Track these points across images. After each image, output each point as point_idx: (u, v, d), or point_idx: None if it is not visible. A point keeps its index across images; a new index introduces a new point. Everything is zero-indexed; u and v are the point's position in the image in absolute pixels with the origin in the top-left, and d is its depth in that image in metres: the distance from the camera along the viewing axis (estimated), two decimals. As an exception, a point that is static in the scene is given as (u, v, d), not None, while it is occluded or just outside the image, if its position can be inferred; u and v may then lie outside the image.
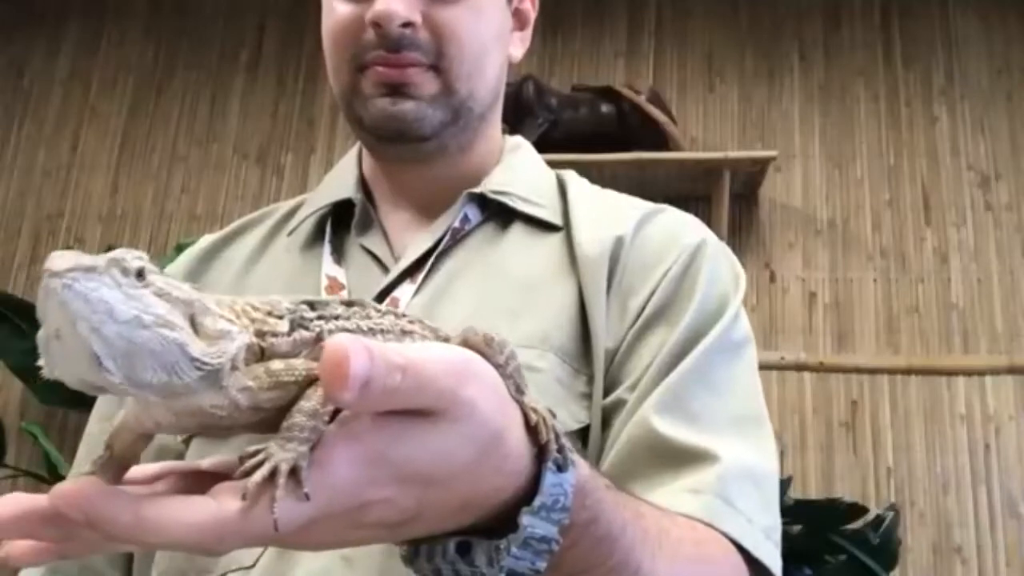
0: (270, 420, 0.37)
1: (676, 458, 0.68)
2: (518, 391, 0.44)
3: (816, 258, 2.46)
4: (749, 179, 2.43)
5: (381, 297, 0.76)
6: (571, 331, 0.73)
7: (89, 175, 2.79)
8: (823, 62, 2.63)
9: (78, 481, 0.35)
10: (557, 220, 0.82)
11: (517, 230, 0.82)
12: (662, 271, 0.77)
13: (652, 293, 0.76)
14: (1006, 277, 2.40)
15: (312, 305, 0.41)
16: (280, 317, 0.39)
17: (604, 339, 0.73)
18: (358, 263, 0.81)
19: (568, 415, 0.70)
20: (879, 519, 2.02)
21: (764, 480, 0.70)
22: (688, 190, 2.37)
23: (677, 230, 0.82)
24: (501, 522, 0.44)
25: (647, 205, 0.85)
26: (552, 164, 0.91)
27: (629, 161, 2.32)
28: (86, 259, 0.33)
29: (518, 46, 0.87)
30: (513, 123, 2.32)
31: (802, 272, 2.44)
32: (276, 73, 2.81)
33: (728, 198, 2.34)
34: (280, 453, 0.35)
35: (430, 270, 0.78)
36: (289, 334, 0.39)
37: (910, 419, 2.30)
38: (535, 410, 0.44)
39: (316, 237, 0.84)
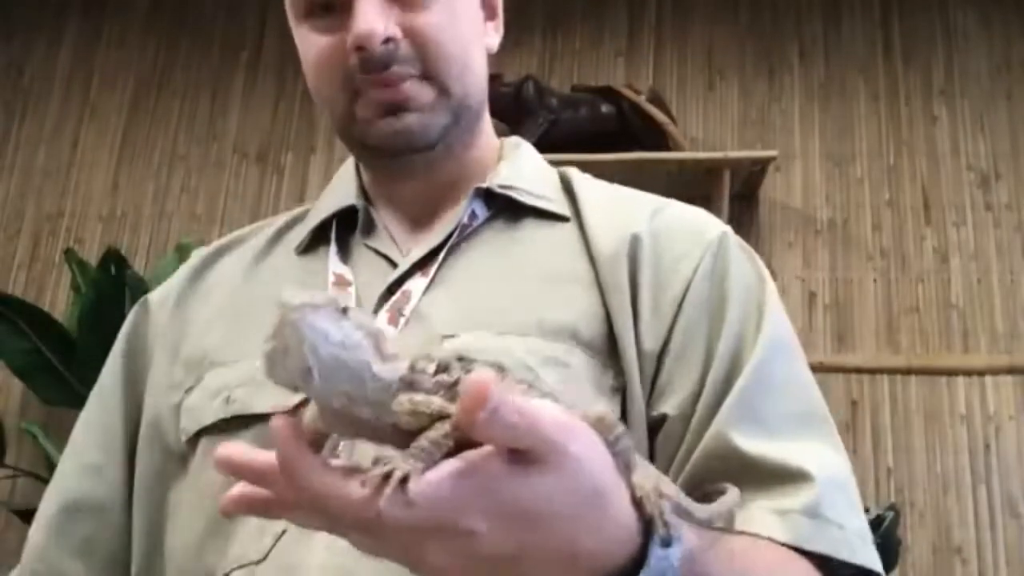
0: (403, 440, 0.45)
1: (762, 476, 0.67)
2: (626, 468, 0.50)
3: (816, 258, 2.46)
4: (749, 179, 2.43)
5: (391, 291, 0.76)
6: (597, 326, 0.73)
7: (89, 175, 2.79)
8: (823, 60, 2.63)
9: (289, 423, 0.44)
10: (566, 212, 0.82)
11: (528, 224, 0.81)
12: (692, 265, 0.76)
13: (686, 288, 0.75)
14: (1006, 277, 2.40)
15: (460, 359, 0.49)
16: (431, 361, 0.48)
17: (631, 337, 0.72)
18: (365, 261, 0.80)
19: None
20: (879, 519, 2.02)
21: (847, 480, 0.71)
22: (688, 190, 2.35)
23: (696, 221, 0.82)
24: None
25: (654, 198, 0.85)
26: (552, 164, 0.90)
27: (629, 161, 2.31)
28: (317, 297, 0.44)
29: (493, 36, 0.87)
30: (513, 123, 2.31)
31: (802, 272, 2.44)
32: (276, 72, 2.81)
33: (728, 198, 2.34)
34: (400, 463, 0.43)
35: (442, 264, 0.77)
36: (434, 375, 0.47)
37: (910, 419, 2.30)
38: (640, 486, 0.50)
39: (318, 242, 0.84)
